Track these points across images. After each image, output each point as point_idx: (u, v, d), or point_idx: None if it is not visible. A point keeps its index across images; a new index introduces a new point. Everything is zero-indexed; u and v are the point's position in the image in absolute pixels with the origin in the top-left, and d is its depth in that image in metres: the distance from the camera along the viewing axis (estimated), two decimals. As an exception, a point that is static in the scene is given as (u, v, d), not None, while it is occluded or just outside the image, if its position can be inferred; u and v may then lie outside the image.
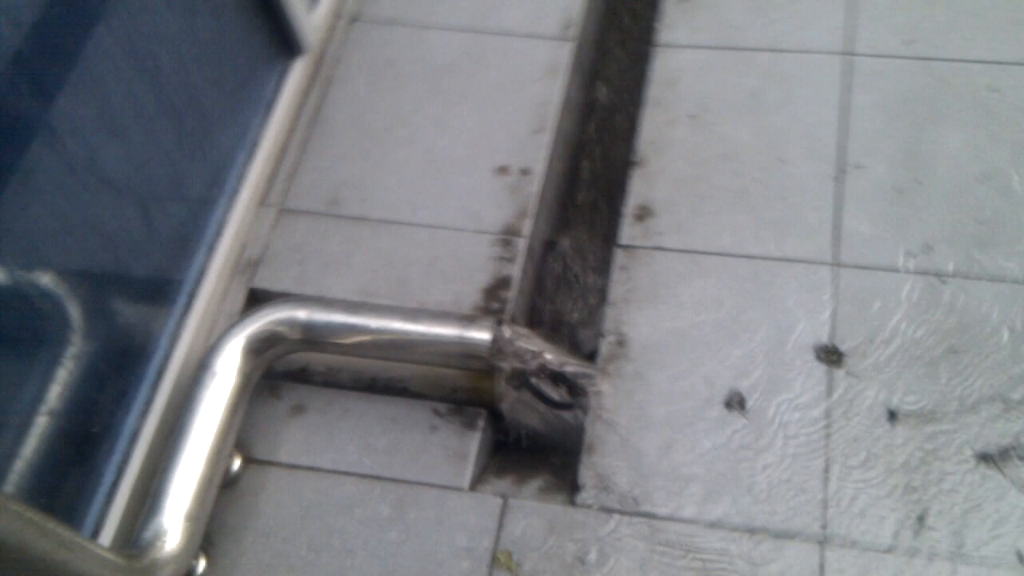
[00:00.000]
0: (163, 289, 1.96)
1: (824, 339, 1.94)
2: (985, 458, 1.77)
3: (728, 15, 2.45)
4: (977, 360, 1.88)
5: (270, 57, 2.28)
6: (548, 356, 1.91)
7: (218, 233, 2.08)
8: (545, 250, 2.26)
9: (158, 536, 1.66)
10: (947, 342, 1.91)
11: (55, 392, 1.68)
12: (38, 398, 1.66)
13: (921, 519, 1.73)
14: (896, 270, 2.01)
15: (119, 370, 1.84)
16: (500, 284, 2.06)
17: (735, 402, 1.88)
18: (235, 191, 2.14)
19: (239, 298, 2.08)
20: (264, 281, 2.09)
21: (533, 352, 1.89)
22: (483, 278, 2.08)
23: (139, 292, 1.91)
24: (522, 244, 2.12)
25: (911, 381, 1.87)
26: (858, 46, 2.34)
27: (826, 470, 1.79)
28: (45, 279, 1.69)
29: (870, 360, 1.90)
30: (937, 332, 1.92)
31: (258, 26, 2.21)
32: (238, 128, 2.17)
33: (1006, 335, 1.90)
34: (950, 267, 2.00)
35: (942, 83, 2.26)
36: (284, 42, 2.30)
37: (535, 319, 2.16)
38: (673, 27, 2.46)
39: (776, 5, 2.45)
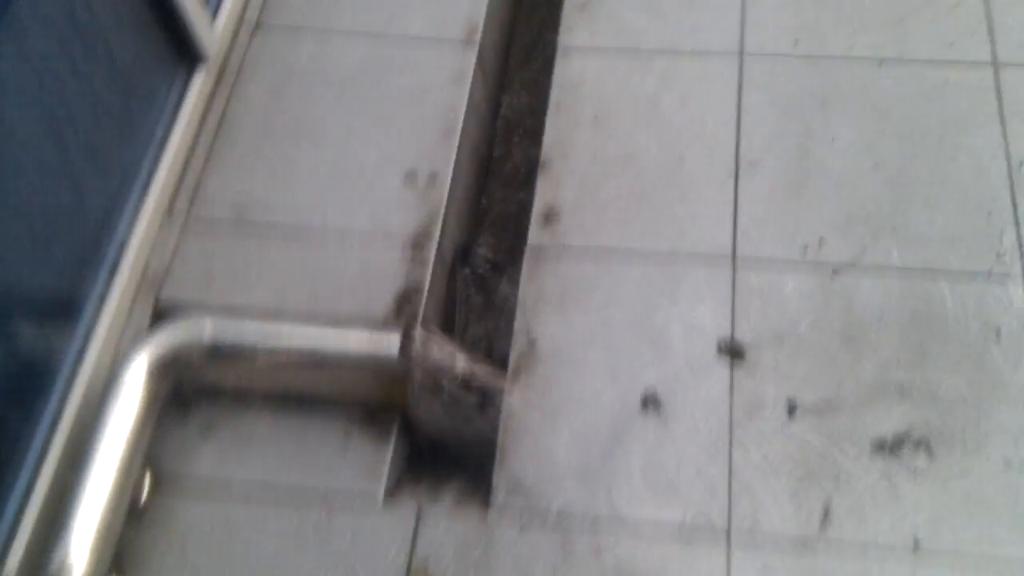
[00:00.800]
0: (64, 307, 1.81)
1: (726, 334, 1.90)
2: (882, 446, 1.75)
3: (626, 19, 2.38)
4: (871, 349, 1.87)
5: (170, 67, 2.14)
6: (459, 361, 1.83)
7: (121, 247, 1.94)
8: (456, 254, 2.18)
9: (63, 569, 1.54)
10: (843, 333, 1.89)
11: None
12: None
13: (825, 510, 1.70)
14: (792, 264, 1.98)
15: (21, 393, 1.70)
16: (411, 290, 1.97)
17: (643, 401, 1.84)
18: (138, 203, 2.00)
19: (146, 312, 1.94)
20: (171, 294, 1.96)
21: (443, 358, 1.81)
22: (394, 285, 1.98)
23: (39, 311, 1.77)
24: (432, 249, 2.03)
25: (809, 373, 1.84)
26: (750, 47, 2.31)
27: (731, 466, 1.76)
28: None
29: (770, 353, 1.87)
30: (833, 323, 1.90)
31: (156, 36, 2.07)
32: (138, 140, 2.03)
33: (897, 324, 1.89)
34: (843, 259, 1.98)
35: (830, 80, 2.24)
36: (184, 51, 2.16)
37: (447, 324, 2.08)
38: (574, 32, 2.39)
39: (672, 9, 2.40)
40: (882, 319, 1.89)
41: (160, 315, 1.92)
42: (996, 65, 2.22)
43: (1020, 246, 1.96)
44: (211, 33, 2.21)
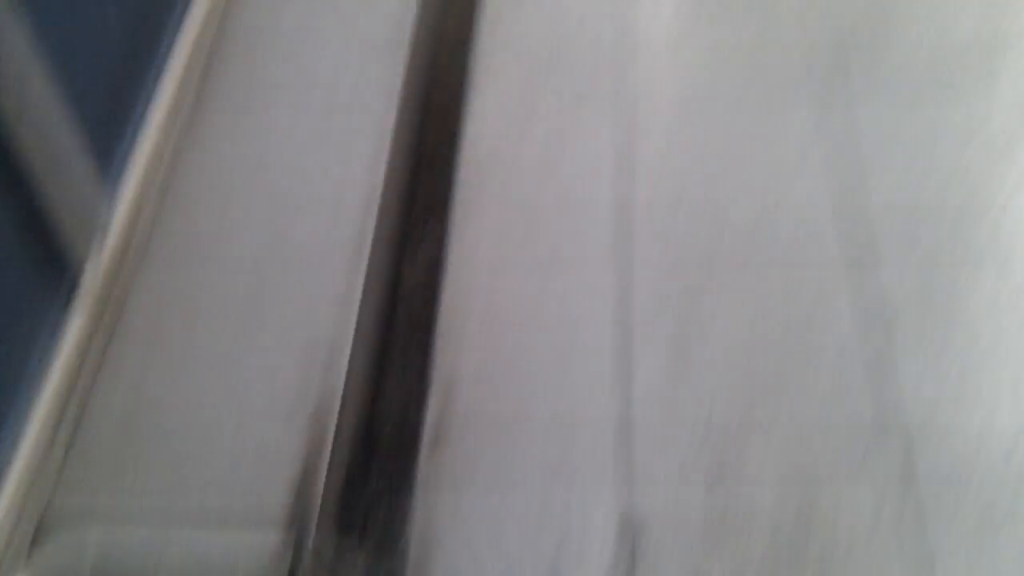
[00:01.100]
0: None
1: (622, 511, 1.87)
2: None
3: (519, 179, 2.40)
4: (753, 542, 1.82)
5: (48, 295, 2.02)
6: (353, 562, 1.79)
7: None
8: (357, 429, 2.15)
9: None
10: (719, 534, 1.84)
11: None
12: None
13: None
14: (683, 437, 1.96)
15: None
16: (309, 474, 1.91)
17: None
18: (16, 434, 1.87)
19: (28, 532, 1.85)
20: (55, 511, 1.88)
21: (337, 560, 1.77)
22: (290, 470, 1.92)
23: None
24: (332, 427, 1.98)
25: (699, 563, 1.80)
26: (636, 203, 2.32)
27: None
28: None
29: (667, 537, 1.83)
30: (716, 513, 1.86)
31: (31, 264, 1.95)
32: (16, 370, 1.92)
33: (777, 520, 1.85)
34: (730, 436, 1.94)
35: (717, 231, 2.25)
36: (63, 278, 2.05)
37: (347, 504, 2.03)
38: (470, 191, 2.39)
39: (557, 168, 2.41)
40: (761, 515, 1.85)
41: (43, 532, 1.85)
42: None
43: (884, 447, 1.93)
44: (93, 259, 2.10)
